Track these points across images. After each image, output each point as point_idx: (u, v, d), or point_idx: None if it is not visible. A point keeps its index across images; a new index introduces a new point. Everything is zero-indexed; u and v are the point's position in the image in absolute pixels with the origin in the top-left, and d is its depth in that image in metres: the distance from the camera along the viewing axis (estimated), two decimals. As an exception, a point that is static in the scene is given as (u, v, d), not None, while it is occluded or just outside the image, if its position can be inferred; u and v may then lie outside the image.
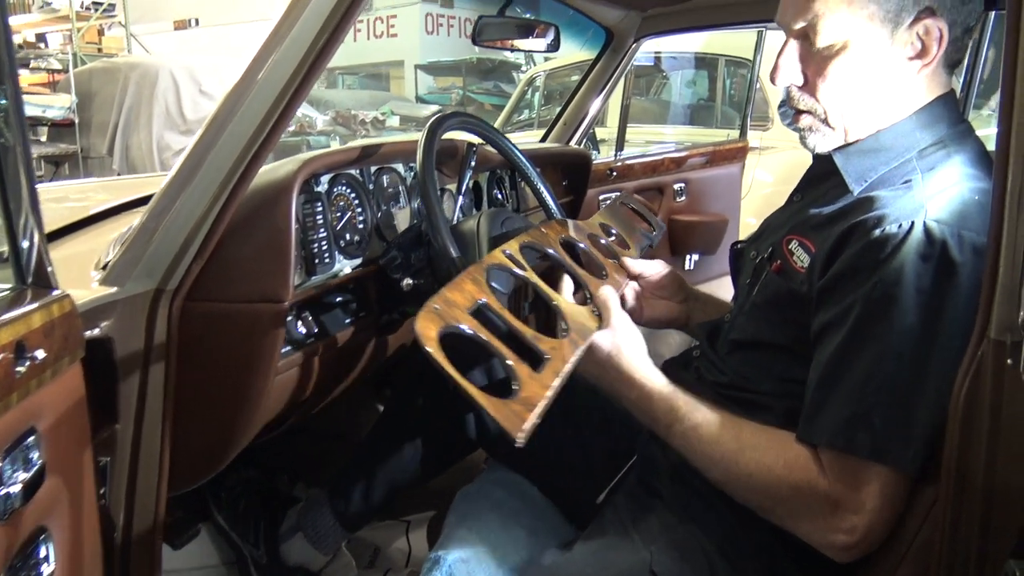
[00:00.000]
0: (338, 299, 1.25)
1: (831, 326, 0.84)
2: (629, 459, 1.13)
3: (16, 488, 0.69)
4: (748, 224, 2.91)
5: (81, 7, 8.75)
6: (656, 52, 4.62)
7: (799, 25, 0.91)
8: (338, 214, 1.28)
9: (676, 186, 2.60)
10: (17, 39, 9.26)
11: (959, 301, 0.78)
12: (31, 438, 0.72)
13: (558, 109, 2.29)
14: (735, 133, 3.39)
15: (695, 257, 2.71)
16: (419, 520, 1.58)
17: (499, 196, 1.80)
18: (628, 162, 2.42)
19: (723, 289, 1.27)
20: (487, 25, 1.76)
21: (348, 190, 1.31)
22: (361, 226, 1.33)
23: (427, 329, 0.80)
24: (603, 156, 2.51)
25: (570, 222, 1.26)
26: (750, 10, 1.94)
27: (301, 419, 1.41)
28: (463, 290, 0.89)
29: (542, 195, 1.47)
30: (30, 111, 7.03)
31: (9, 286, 0.77)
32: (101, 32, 9.75)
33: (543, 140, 2.27)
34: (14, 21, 9.81)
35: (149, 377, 1.01)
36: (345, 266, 1.28)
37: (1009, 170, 0.66)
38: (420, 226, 1.32)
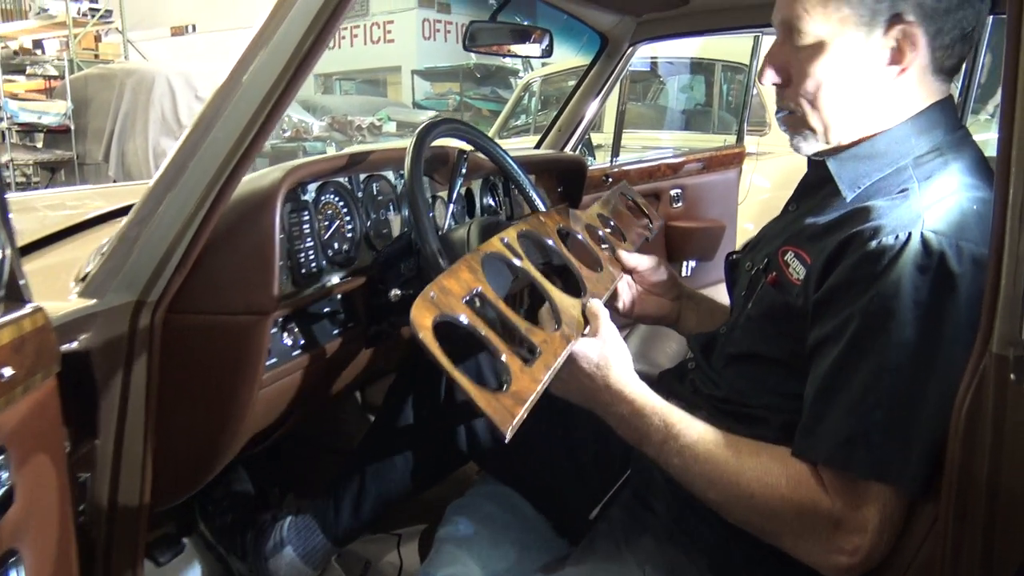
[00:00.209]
0: (325, 310, 1.22)
1: (828, 340, 0.82)
2: (623, 472, 1.11)
3: (-18, 511, 0.66)
4: (745, 230, 2.89)
5: (78, 13, 8.74)
6: (652, 57, 4.62)
7: (782, 22, 0.92)
8: (326, 223, 1.26)
9: (673, 192, 2.58)
10: (13, 45, 9.26)
11: (958, 314, 0.76)
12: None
13: (554, 114, 2.28)
14: (732, 138, 3.38)
15: (692, 263, 2.69)
16: (410, 534, 1.55)
17: (491, 203, 1.78)
18: (624, 168, 2.40)
19: (720, 296, 1.26)
20: (479, 30, 1.73)
21: (336, 198, 1.29)
22: (350, 235, 1.30)
23: (422, 317, 0.80)
24: (599, 162, 2.49)
25: (569, 211, 1.26)
26: (745, 15, 1.92)
27: (288, 431, 1.39)
28: (459, 278, 0.89)
29: (534, 202, 1.45)
30: (26, 117, 7.05)
31: (-23, 301, 0.74)
32: (98, 38, 9.74)
33: (538, 146, 2.25)
34: (10, 28, 9.84)
35: (130, 391, 0.98)
36: (333, 276, 1.25)
37: (1011, 179, 0.64)
38: (410, 235, 1.30)
